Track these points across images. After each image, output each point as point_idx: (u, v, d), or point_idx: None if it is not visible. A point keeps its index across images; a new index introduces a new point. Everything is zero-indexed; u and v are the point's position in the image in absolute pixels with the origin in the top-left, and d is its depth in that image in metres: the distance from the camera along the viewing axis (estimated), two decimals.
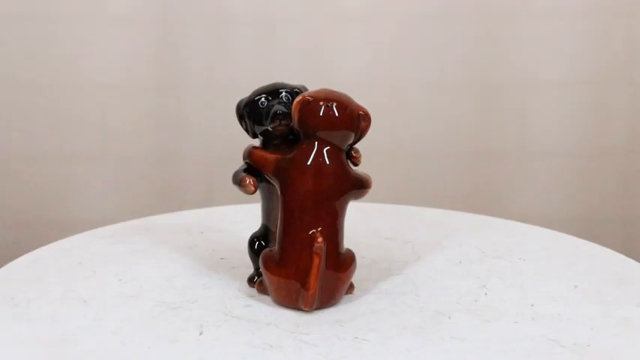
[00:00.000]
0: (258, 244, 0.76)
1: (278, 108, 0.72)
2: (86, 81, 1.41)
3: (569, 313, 0.72)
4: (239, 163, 0.75)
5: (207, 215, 1.02)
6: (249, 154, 0.74)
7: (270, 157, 0.72)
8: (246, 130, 0.76)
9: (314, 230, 0.69)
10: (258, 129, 0.74)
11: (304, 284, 0.69)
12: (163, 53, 1.41)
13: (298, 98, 0.71)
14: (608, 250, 0.89)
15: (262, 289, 0.73)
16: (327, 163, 0.70)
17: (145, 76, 1.41)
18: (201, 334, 0.66)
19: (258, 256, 0.73)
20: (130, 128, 1.43)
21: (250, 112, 0.74)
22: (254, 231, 0.77)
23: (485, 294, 0.76)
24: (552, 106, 1.47)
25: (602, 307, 0.73)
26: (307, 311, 0.70)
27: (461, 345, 0.65)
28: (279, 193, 0.71)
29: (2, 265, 0.81)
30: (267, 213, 0.75)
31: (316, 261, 0.68)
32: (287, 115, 0.71)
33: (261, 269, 0.72)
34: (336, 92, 0.72)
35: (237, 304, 0.72)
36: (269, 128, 0.72)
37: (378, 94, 1.39)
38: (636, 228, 1.53)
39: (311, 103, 0.70)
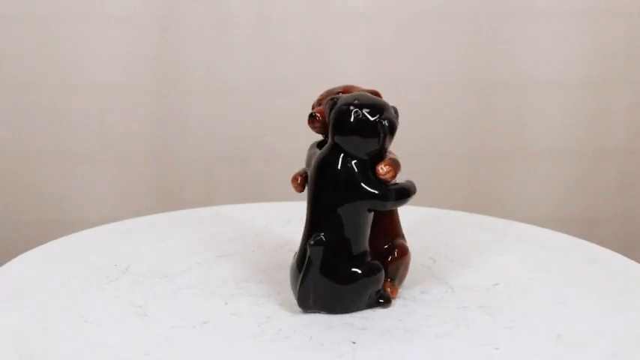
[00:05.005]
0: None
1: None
2: (86, 81, 1.41)
3: (569, 314, 0.72)
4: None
5: (206, 213, 1.02)
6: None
7: None
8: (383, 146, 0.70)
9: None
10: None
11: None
12: (163, 53, 1.41)
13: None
14: (608, 250, 0.89)
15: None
16: None
17: (145, 76, 1.41)
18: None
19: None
20: (130, 128, 1.43)
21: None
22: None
23: (484, 294, 0.76)
24: (552, 106, 1.47)
25: (601, 308, 0.73)
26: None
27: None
28: None
29: (1, 265, 0.81)
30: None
31: None
32: None
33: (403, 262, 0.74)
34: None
35: None
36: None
37: None
38: (636, 228, 1.53)
39: None
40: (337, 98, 0.70)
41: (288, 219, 0.97)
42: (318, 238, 0.68)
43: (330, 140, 0.70)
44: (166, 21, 1.40)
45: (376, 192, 0.69)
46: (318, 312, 0.70)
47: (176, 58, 1.41)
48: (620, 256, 0.87)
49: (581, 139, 1.48)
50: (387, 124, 0.68)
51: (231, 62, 1.42)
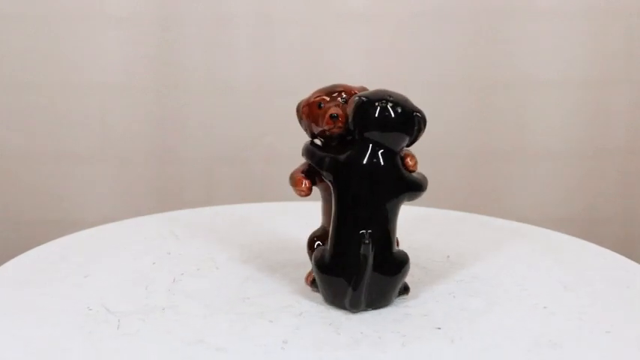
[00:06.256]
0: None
1: None
2: (86, 81, 1.41)
3: (568, 314, 0.72)
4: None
5: (204, 213, 1.02)
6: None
7: None
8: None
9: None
10: None
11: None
12: (163, 53, 1.41)
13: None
14: (608, 250, 0.89)
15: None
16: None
17: (145, 76, 1.41)
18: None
19: None
20: (130, 128, 1.43)
21: None
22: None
23: (484, 294, 0.76)
24: (552, 106, 1.47)
25: (601, 308, 0.73)
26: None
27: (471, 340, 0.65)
28: None
29: (1, 264, 0.81)
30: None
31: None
32: None
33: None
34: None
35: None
36: None
37: None
38: (636, 228, 1.53)
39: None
40: (365, 97, 0.70)
41: (288, 219, 0.97)
42: (369, 234, 0.69)
43: (359, 138, 0.70)
44: (166, 21, 1.40)
45: (416, 184, 0.71)
46: (365, 310, 0.70)
47: (176, 58, 1.41)
48: (620, 256, 0.87)
49: (581, 139, 1.48)
50: (421, 117, 0.70)
51: (231, 62, 1.42)
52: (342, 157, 0.70)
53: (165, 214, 1.02)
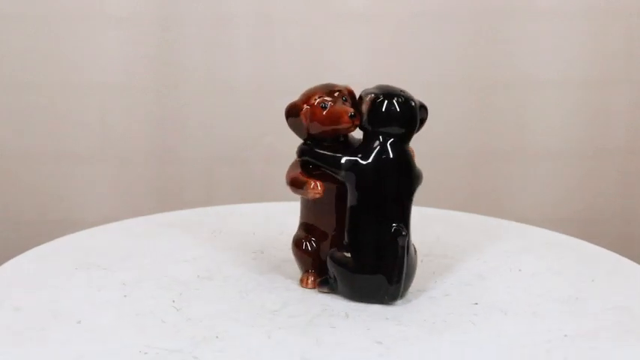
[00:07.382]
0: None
1: None
2: (86, 81, 1.41)
3: (567, 314, 0.72)
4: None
5: (206, 214, 1.02)
6: None
7: None
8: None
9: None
10: None
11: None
12: (163, 53, 1.41)
13: None
14: (608, 250, 0.89)
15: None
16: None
17: (145, 76, 1.41)
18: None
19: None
20: (130, 128, 1.43)
21: None
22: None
23: (485, 294, 0.76)
24: (552, 106, 1.47)
25: (600, 308, 0.73)
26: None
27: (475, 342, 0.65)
28: None
29: (1, 264, 0.81)
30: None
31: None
32: None
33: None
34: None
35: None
36: None
37: None
38: (636, 228, 1.53)
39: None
40: (379, 94, 0.72)
41: (288, 219, 0.97)
42: (401, 227, 0.70)
43: (372, 134, 0.71)
44: (166, 21, 1.40)
45: (421, 173, 0.73)
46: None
47: (176, 58, 1.41)
48: (620, 256, 0.87)
49: (581, 139, 1.48)
50: (426, 109, 0.74)
51: (231, 62, 1.42)
52: (363, 155, 0.71)
53: (166, 214, 1.02)
